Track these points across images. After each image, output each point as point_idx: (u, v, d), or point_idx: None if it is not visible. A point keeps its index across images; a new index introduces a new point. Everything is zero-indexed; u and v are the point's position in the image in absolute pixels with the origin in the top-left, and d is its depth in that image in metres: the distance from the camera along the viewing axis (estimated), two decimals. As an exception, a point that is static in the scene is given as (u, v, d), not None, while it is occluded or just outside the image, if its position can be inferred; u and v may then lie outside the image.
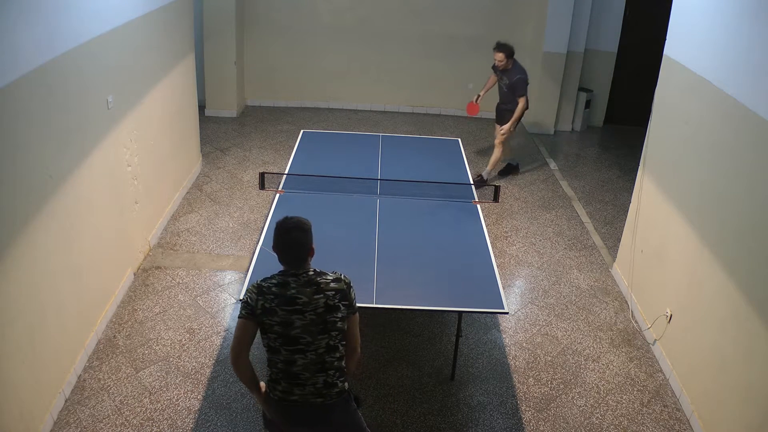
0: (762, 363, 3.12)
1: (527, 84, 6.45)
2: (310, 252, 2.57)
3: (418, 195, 4.66)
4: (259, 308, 2.50)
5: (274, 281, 2.54)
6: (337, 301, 2.54)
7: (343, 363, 2.62)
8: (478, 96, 6.77)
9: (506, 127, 6.52)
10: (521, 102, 6.40)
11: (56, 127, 3.47)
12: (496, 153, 6.73)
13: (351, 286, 2.62)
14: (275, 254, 2.56)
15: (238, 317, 2.54)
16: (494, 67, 6.56)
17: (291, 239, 2.52)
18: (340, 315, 2.55)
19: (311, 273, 2.56)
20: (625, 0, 8.25)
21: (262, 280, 2.56)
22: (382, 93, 8.88)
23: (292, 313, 2.49)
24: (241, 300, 2.60)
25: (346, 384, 2.64)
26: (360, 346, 2.70)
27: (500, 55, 6.33)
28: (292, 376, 2.55)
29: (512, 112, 6.49)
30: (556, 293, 4.98)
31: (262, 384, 2.66)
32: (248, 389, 2.64)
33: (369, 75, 8.77)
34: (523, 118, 8.81)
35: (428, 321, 4.53)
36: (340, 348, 2.59)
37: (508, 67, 6.41)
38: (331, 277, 2.57)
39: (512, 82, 6.40)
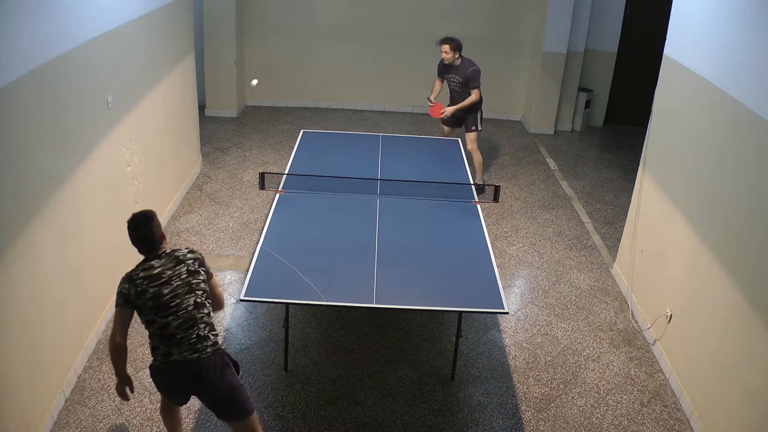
0: (762, 363, 3.12)
1: (480, 75, 6.16)
2: (162, 237, 2.95)
3: (418, 195, 4.66)
4: (133, 294, 2.84)
5: (140, 268, 2.88)
6: (196, 266, 2.96)
7: (211, 319, 2.95)
8: (429, 99, 6.44)
9: (449, 110, 6.21)
10: (474, 94, 6.12)
11: (56, 127, 3.47)
12: (476, 157, 6.47)
13: (201, 255, 3.04)
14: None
15: (116, 306, 2.88)
16: (441, 67, 6.31)
17: (141, 232, 2.90)
18: (201, 278, 2.96)
19: (168, 251, 2.95)
20: (625, 0, 8.26)
21: (130, 271, 2.88)
22: (382, 93, 8.88)
23: (161, 286, 2.85)
24: (117, 291, 2.89)
25: (219, 339, 2.97)
26: (223, 298, 3.26)
27: (446, 47, 6.00)
28: (168, 338, 2.85)
29: (469, 111, 6.26)
30: (556, 293, 4.98)
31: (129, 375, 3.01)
32: (116, 370, 2.94)
33: (369, 75, 8.77)
34: (522, 118, 8.85)
35: (428, 321, 4.53)
36: (207, 305, 2.95)
37: (455, 63, 6.12)
38: (186, 250, 2.98)
39: (466, 76, 6.09)
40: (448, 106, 6.38)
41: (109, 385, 3.78)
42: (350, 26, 8.48)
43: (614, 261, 5.35)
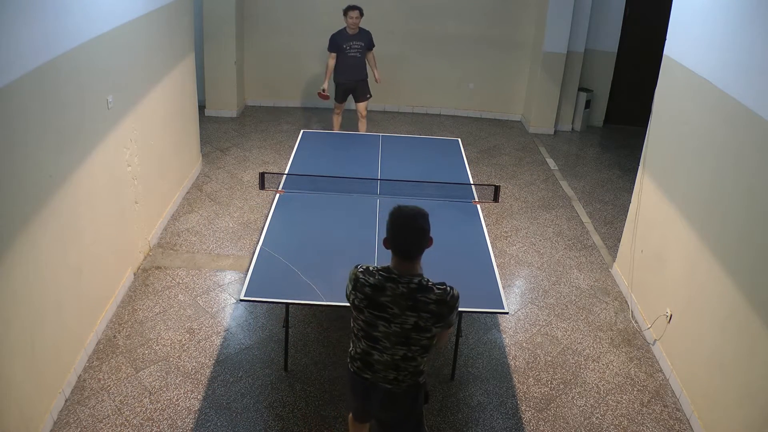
0: (762, 363, 3.12)
1: None
2: (428, 244, 2.42)
3: (418, 195, 4.66)
4: (350, 299, 2.52)
5: (371, 280, 2.43)
6: (430, 324, 2.42)
7: (420, 368, 2.59)
8: (324, 89, 6.79)
9: (377, 74, 6.78)
10: (372, 52, 6.73)
11: (56, 127, 3.47)
12: (365, 126, 6.99)
13: (455, 308, 2.44)
14: (388, 248, 2.43)
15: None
16: (339, 39, 6.62)
17: (412, 229, 2.36)
18: (427, 335, 2.45)
19: (414, 285, 2.40)
20: (625, 0, 8.26)
21: (363, 272, 2.47)
22: (382, 93, 8.87)
23: (379, 318, 2.45)
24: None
25: (421, 379, 2.65)
26: (444, 344, 2.70)
27: (356, 13, 6.52)
28: (367, 363, 2.60)
29: (367, 79, 6.78)
30: (556, 293, 4.98)
31: None
32: None
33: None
34: (522, 118, 8.85)
35: (428, 321, 4.53)
36: (419, 359, 2.53)
37: (357, 30, 6.62)
38: (434, 297, 2.39)
39: (368, 38, 6.63)
40: (348, 79, 6.76)
41: (109, 385, 3.78)
42: (350, 26, 8.47)
43: (614, 261, 5.35)
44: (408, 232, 2.38)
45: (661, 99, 4.62)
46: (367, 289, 2.43)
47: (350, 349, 2.70)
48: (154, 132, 5.16)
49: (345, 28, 6.62)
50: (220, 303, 4.60)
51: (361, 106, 6.92)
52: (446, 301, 2.41)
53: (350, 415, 3.02)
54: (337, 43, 6.65)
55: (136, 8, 4.63)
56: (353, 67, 6.72)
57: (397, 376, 2.58)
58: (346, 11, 6.57)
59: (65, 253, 3.64)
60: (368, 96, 6.92)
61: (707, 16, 3.98)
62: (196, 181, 6.46)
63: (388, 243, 2.43)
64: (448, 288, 2.44)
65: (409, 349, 2.48)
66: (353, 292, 2.49)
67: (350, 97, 7.00)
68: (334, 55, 6.72)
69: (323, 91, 6.76)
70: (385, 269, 2.45)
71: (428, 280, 2.45)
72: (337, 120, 7.05)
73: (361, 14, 6.60)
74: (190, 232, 5.51)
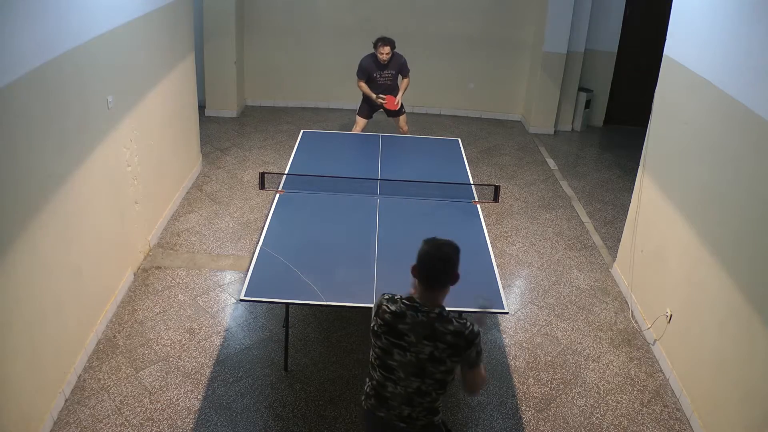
0: (762, 363, 3.12)
1: None
2: (453, 277, 2.40)
3: (418, 195, 4.66)
4: (371, 328, 2.50)
5: (393, 308, 2.43)
6: (445, 356, 2.38)
7: (435, 405, 2.52)
8: (381, 97, 6.41)
9: (400, 97, 6.47)
10: (408, 79, 6.52)
11: (56, 128, 3.47)
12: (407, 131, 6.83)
13: (473, 344, 2.39)
14: (414, 277, 2.42)
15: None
16: (370, 68, 6.30)
17: (442, 257, 2.36)
18: (442, 369, 2.40)
19: (434, 314, 2.39)
20: (625, 0, 8.26)
21: (387, 300, 2.47)
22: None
23: (395, 345, 2.43)
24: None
25: (436, 419, 2.56)
26: (483, 386, 2.58)
27: (387, 48, 6.18)
28: (381, 398, 2.54)
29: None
30: (556, 293, 4.98)
31: None
32: None
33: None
34: (522, 118, 8.85)
35: (428, 321, 4.53)
36: (433, 395, 2.47)
37: (388, 59, 6.31)
38: (452, 328, 2.37)
39: (400, 66, 6.39)
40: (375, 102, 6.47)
41: (109, 385, 3.78)
42: (350, 26, 8.47)
43: (614, 261, 5.35)
44: (434, 258, 2.37)
45: (661, 99, 4.62)
46: (387, 315, 2.42)
47: (365, 386, 2.65)
48: (154, 132, 5.16)
49: (376, 54, 6.27)
50: (220, 303, 4.60)
51: (403, 120, 6.67)
52: (464, 333, 2.37)
53: None
54: (366, 71, 6.34)
55: (136, 8, 4.63)
56: (385, 90, 6.44)
57: (411, 413, 2.49)
58: (376, 44, 6.19)
59: (65, 253, 3.64)
60: (403, 110, 6.63)
61: (707, 16, 3.98)
62: (196, 181, 6.46)
63: (415, 270, 2.41)
64: (469, 323, 2.42)
65: (423, 381, 2.44)
66: (374, 318, 2.48)
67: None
68: (361, 82, 6.42)
69: (379, 98, 6.38)
70: (409, 298, 2.45)
71: (450, 312, 2.43)
72: (363, 125, 6.68)
73: (393, 48, 6.18)
74: (190, 232, 5.51)
